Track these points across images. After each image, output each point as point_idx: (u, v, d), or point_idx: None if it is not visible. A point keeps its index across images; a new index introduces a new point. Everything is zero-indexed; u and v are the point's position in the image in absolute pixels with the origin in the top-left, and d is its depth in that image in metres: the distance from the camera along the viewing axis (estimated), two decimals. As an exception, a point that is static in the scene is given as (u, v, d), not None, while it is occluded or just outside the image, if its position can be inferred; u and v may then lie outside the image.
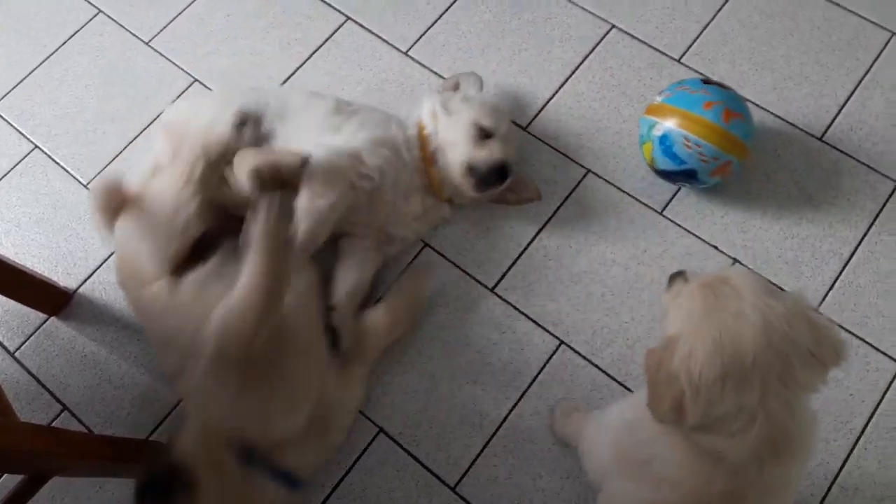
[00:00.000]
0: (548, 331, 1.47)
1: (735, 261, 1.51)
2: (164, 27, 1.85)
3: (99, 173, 1.67)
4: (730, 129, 1.40)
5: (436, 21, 1.80)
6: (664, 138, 1.45)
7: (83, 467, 1.15)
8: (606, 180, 1.60)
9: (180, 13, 1.86)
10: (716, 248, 1.52)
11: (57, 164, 1.69)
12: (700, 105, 1.41)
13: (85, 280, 1.56)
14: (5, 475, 1.37)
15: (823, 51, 1.71)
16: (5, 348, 1.50)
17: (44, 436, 1.04)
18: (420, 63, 1.76)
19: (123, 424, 1.41)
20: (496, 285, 1.51)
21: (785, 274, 1.49)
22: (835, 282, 1.49)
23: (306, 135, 1.40)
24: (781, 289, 1.46)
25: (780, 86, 1.68)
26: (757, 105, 1.66)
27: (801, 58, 1.71)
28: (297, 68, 1.77)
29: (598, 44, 1.75)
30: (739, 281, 0.91)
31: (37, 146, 1.71)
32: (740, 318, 0.86)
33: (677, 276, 1.01)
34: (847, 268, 1.50)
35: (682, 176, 1.48)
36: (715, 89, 1.45)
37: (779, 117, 1.64)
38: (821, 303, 1.46)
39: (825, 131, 1.63)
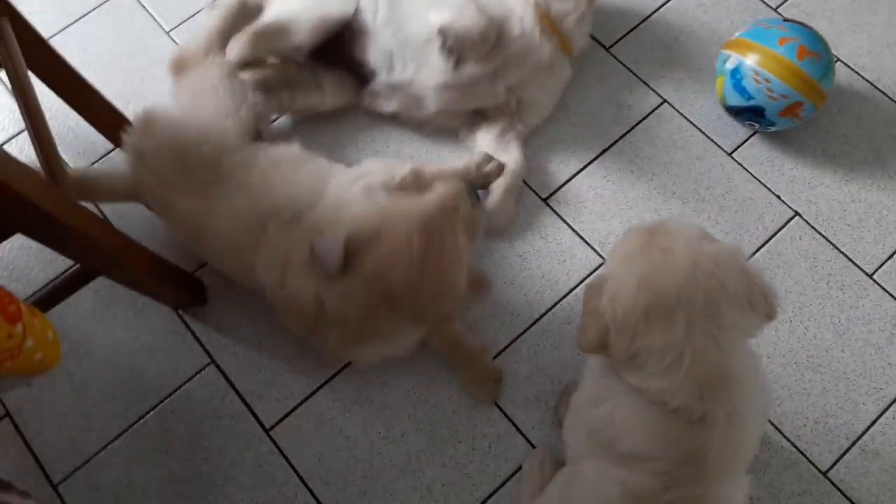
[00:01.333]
0: (592, 248, 1.46)
1: (796, 213, 1.47)
2: None
3: (182, 23, 1.69)
4: (802, 67, 1.36)
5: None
6: (735, 71, 1.43)
7: (127, 274, 1.18)
8: (681, 113, 1.57)
9: None
10: (779, 197, 1.49)
11: (143, 7, 1.72)
12: (775, 40, 1.39)
13: (153, 120, 1.59)
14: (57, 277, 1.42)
15: (929, 24, 1.65)
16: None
17: (101, 226, 1.06)
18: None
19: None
20: (550, 196, 1.51)
21: (844, 235, 1.46)
22: (895, 252, 1.45)
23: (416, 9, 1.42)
24: (837, 247, 1.44)
25: (876, 51, 1.62)
26: (848, 66, 1.61)
27: (904, 27, 1.65)
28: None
29: (695, -22, 1.71)
30: (676, 225, 0.95)
31: (126, -12, 1.75)
32: (668, 254, 0.89)
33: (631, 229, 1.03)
34: (911, 240, 1.46)
35: (749, 113, 1.45)
36: (793, 26, 1.42)
37: (868, 82, 1.59)
38: (876, 270, 1.43)
39: (915, 104, 1.57)
